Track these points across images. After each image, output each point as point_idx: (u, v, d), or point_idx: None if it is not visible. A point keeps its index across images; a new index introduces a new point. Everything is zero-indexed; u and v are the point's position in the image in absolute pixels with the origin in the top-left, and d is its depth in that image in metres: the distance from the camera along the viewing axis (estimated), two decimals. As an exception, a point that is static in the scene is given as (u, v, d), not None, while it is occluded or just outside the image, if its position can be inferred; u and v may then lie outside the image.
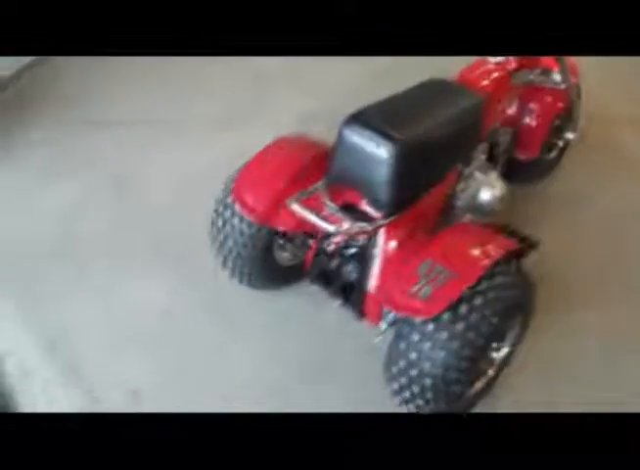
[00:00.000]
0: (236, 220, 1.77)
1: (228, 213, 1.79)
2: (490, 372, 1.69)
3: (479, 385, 1.67)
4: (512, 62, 1.86)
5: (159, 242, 2.28)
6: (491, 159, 2.05)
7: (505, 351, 1.71)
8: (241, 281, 1.93)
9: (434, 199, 1.71)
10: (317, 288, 1.82)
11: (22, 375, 1.91)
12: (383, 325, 1.60)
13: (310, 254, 1.77)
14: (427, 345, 1.40)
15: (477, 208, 1.91)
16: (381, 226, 1.55)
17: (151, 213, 2.40)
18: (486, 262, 1.43)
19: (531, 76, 2.04)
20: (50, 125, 2.79)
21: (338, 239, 1.64)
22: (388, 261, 1.59)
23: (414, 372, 1.43)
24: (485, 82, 1.79)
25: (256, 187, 1.70)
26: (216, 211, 1.84)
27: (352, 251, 1.68)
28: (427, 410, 1.49)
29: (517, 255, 1.63)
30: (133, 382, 1.87)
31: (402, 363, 1.45)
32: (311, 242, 1.79)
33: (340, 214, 1.56)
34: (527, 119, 2.14)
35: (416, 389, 1.45)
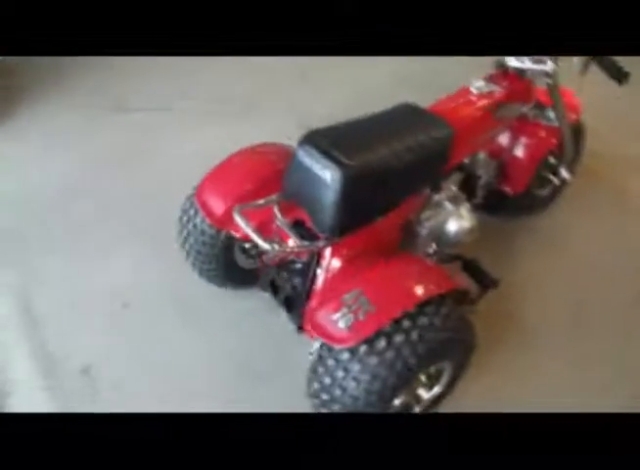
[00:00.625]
0: (198, 219, 1.82)
1: (192, 211, 1.84)
2: (417, 409, 1.68)
3: None
4: (496, 93, 1.81)
5: (141, 224, 2.37)
6: (470, 189, 2.02)
7: (436, 390, 1.69)
8: (200, 275, 1.99)
9: (388, 224, 1.69)
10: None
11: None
12: (315, 344, 1.61)
13: (260, 262, 1.80)
14: (340, 373, 1.41)
15: (442, 238, 1.88)
16: (321, 248, 1.55)
17: (142, 195, 2.50)
18: (409, 301, 1.41)
19: (524, 109, 1.99)
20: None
21: (277, 254, 1.66)
22: (325, 282, 1.59)
23: (325, 397, 1.44)
24: (462, 113, 1.75)
25: (218, 191, 1.73)
26: (183, 207, 1.89)
27: (298, 266, 1.69)
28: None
29: (458, 294, 1.60)
30: (86, 359, 1.96)
31: (316, 385, 1.46)
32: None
33: (286, 229, 1.57)
34: (516, 153, 2.09)
35: (332, 410, 1.46)
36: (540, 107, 2.02)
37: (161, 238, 2.23)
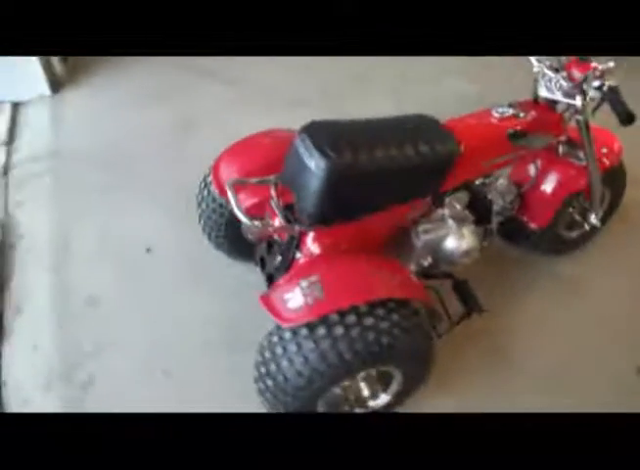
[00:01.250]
0: (212, 186, 1.96)
1: (210, 178, 1.98)
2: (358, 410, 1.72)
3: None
4: (519, 120, 1.78)
5: (179, 184, 2.56)
6: (482, 213, 1.98)
7: (384, 399, 1.72)
8: (209, 241, 2.13)
9: (376, 226, 1.73)
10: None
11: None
12: None
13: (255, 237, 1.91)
14: (279, 350, 1.49)
15: (439, 253, 1.88)
16: (298, 232, 1.63)
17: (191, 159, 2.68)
18: (360, 297, 1.45)
19: (552, 143, 1.93)
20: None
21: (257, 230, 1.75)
22: (298, 265, 1.67)
23: (263, 370, 1.53)
24: (474, 132, 1.74)
25: (229, 164, 1.86)
26: (205, 173, 2.04)
27: (282, 246, 1.78)
28: (275, 406, 1.57)
29: (429, 310, 1.62)
30: (96, 291, 2.19)
31: (259, 358, 1.55)
32: None
33: (276, 209, 1.67)
34: (540, 185, 2.03)
35: (266, 384, 1.54)
36: (572, 144, 1.95)
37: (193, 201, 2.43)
